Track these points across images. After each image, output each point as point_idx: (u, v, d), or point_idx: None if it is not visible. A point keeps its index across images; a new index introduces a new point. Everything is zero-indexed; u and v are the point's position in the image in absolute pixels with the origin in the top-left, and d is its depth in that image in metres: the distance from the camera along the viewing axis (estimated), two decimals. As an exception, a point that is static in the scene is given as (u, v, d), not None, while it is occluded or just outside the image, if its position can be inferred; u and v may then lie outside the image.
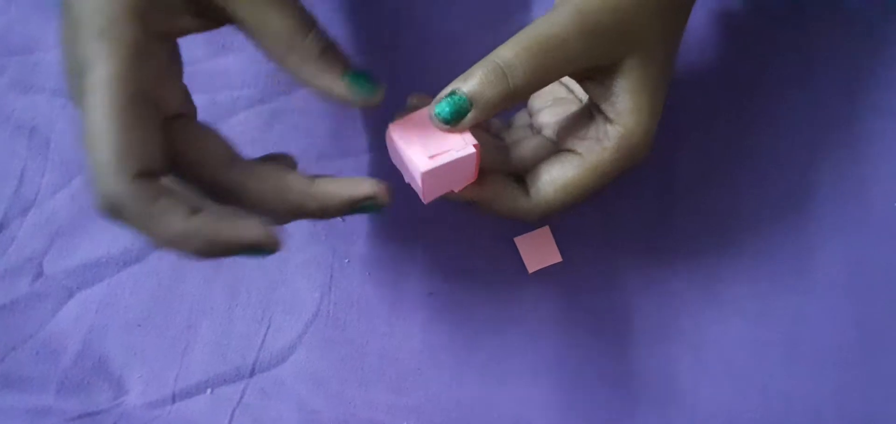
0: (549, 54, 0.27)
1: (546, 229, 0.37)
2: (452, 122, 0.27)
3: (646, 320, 0.36)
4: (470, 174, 0.30)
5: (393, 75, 0.40)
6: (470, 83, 0.27)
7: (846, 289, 0.36)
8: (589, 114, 0.31)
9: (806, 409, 0.34)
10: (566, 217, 0.37)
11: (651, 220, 0.37)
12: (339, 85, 0.27)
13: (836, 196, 0.37)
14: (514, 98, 0.27)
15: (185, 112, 0.27)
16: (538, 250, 0.37)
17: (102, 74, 0.23)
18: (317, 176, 0.27)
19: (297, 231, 0.38)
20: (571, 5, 0.28)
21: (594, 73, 0.29)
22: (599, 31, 0.28)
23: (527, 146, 0.32)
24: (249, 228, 0.24)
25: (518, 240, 0.37)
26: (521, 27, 0.40)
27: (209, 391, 0.36)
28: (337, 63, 0.27)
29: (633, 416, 0.35)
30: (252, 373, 0.36)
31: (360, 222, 0.37)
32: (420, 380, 0.35)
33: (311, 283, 0.37)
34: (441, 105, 0.27)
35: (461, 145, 0.28)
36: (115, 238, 0.38)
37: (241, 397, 0.36)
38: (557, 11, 0.28)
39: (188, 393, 0.36)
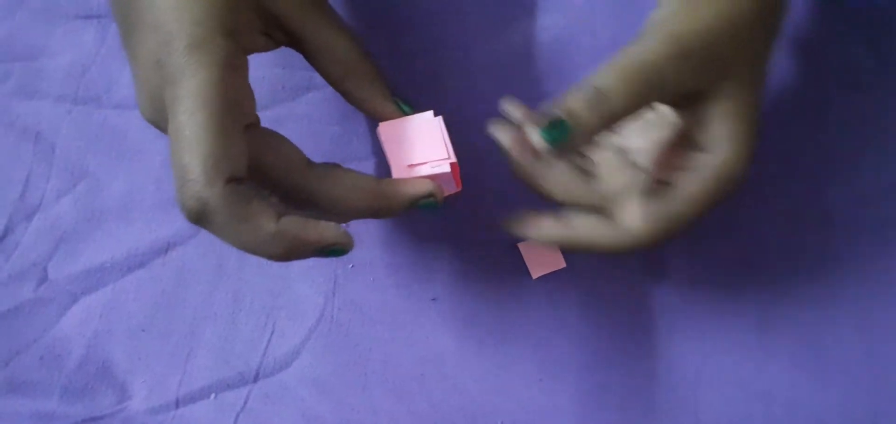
0: (645, 79, 0.27)
1: None
2: (555, 145, 0.27)
3: (650, 327, 0.36)
4: (451, 185, 0.30)
5: (400, 81, 0.40)
6: (569, 107, 0.27)
7: (850, 296, 0.36)
8: (683, 142, 0.30)
9: (810, 417, 0.34)
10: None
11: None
12: (389, 107, 0.31)
13: (841, 201, 0.37)
14: (613, 123, 0.27)
15: (255, 121, 0.28)
16: (542, 256, 0.37)
17: (198, 83, 0.24)
18: (380, 178, 0.29)
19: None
20: (665, 30, 0.27)
21: (688, 99, 0.28)
22: (694, 55, 0.27)
23: (618, 180, 0.31)
24: (330, 230, 0.26)
25: (522, 246, 0.37)
26: (526, 33, 0.41)
27: (213, 396, 0.36)
28: (386, 89, 0.31)
29: (637, 423, 0.35)
30: (256, 378, 0.36)
31: (363, 228, 0.37)
32: (423, 387, 0.35)
33: (314, 288, 0.37)
34: (545, 130, 0.27)
35: (439, 158, 0.29)
36: (118, 244, 0.38)
37: (245, 402, 0.36)
38: (651, 35, 0.28)
39: (192, 399, 0.36)
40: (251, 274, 0.37)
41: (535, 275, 0.37)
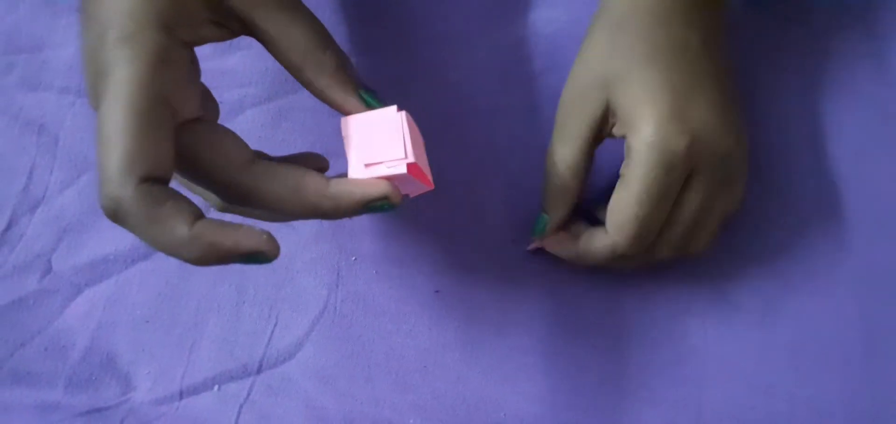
0: (561, 152, 0.34)
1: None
2: (541, 233, 0.35)
3: (652, 320, 0.36)
4: (418, 185, 0.29)
5: (393, 76, 0.40)
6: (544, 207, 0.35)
7: (852, 289, 0.36)
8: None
9: (812, 410, 0.34)
10: (574, 218, 0.37)
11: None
12: (352, 100, 0.29)
13: (841, 196, 0.37)
14: (569, 198, 0.34)
15: (203, 115, 0.27)
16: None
17: (124, 77, 0.23)
18: (332, 177, 0.28)
19: (304, 229, 0.38)
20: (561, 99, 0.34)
21: (606, 122, 0.33)
22: (582, 96, 0.33)
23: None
24: (249, 235, 0.24)
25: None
26: (528, 26, 0.41)
27: (216, 387, 0.36)
28: (351, 79, 0.29)
29: (640, 416, 0.35)
30: (259, 370, 0.36)
31: (367, 220, 0.38)
32: (426, 378, 0.36)
33: (318, 280, 0.37)
34: (534, 230, 0.35)
35: (397, 158, 0.27)
36: (123, 235, 0.38)
37: (249, 394, 0.36)
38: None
39: (195, 390, 0.36)
40: (255, 266, 0.37)
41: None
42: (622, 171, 0.32)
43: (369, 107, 0.29)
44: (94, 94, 0.25)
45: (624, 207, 0.31)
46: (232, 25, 0.28)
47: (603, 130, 0.33)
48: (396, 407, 0.35)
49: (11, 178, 0.40)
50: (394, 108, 0.28)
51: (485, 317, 0.36)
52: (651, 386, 0.35)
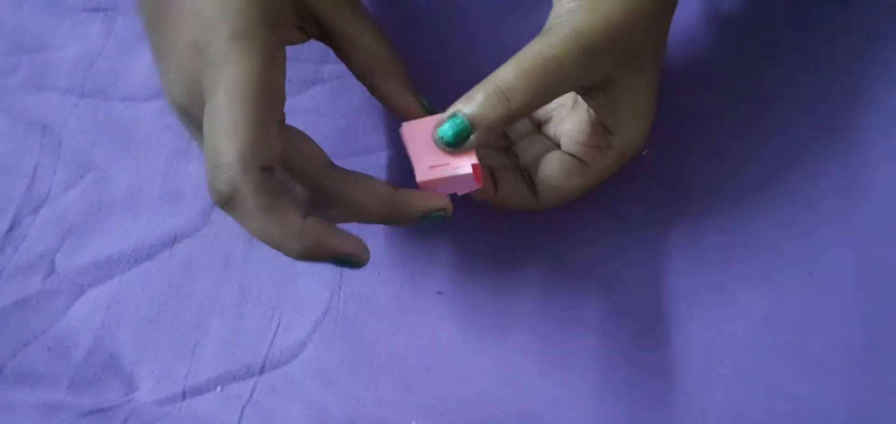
0: (548, 76, 0.28)
1: None
2: (455, 144, 0.29)
3: (654, 321, 0.36)
4: (472, 184, 0.30)
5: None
6: (471, 106, 0.28)
7: (854, 290, 0.36)
8: (591, 122, 0.33)
9: (814, 411, 0.34)
10: (573, 218, 0.37)
11: (659, 221, 0.37)
12: (412, 104, 0.32)
13: (843, 197, 0.37)
14: (514, 119, 0.29)
15: (283, 117, 0.28)
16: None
17: (243, 71, 0.24)
18: (397, 187, 0.29)
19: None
20: (569, 27, 0.28)
21: (593, 88, 0.30)
22: (597, 50, 0.28)
23: (532, 152, 0.35)
24: (350, 240, 0.26)
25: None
26: (532, 25, 0.41)
27: (219, 388, 0.36)
28: (411, 86, 0.32)
29: (641, 417, 0.35)
30: (262, 371, 0.36)
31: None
32: (428, 379, 0.36)
33: (320, 281, 0.37)
34: (444, 128, 0.29)
35: (462, 162, 0.29)
36: (126, 235, 0.38)
37: (251, 394, 0.36)
38: (554, 33, 0.29)
39: (198, 390, 0.36)
40: (258, 267, 0.38)
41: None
42: (578, 150, 0.32)
43: (427, 112, 0.31)
44: (192, 85, 0.25)
45: (575, 189, 0.32)
46: (311, 30, 0.30)
47: (577, 91, 0.31)
48: (399, 408, 0.35)
49: (15, 178, 0.40)
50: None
51: (487, 318, 0.36)
52: (653, 388, 0.35)
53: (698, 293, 0.36)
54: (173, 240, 0.38)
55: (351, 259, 0.26)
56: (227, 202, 0.24)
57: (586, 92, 0.31)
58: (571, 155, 0.33)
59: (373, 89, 0.31)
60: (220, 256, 0.38)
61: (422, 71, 0.40)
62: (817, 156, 0.38)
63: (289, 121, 0.39)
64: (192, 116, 0.26)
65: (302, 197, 0.29)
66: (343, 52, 0.31)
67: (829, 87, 0.39)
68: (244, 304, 0.37)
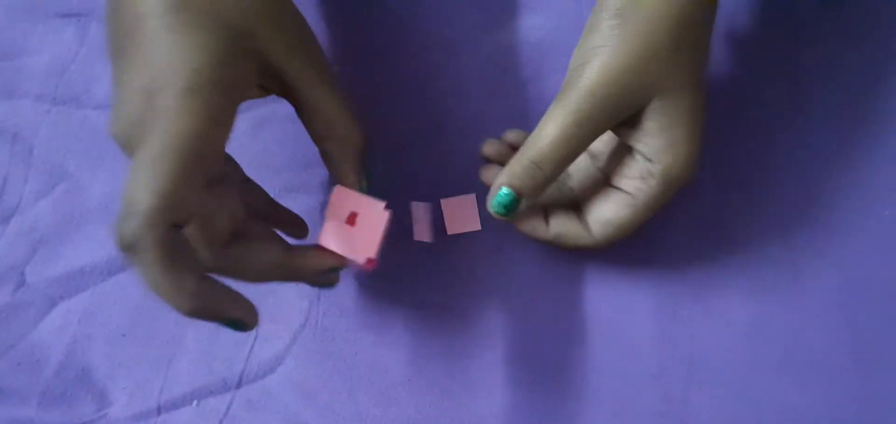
0: (570, 141, 0.30)
1: (472, 197, 0.37)
2: (510, 213, 0.32)
3: (639, 331, 0.36)
4: (364, 267, 0.32)
5: (381, 83, 0.40)
6: (512, 179, 0.31)
7: (839, 300, 0.36)
8: (629, 154, 0.32)
9: (799, 420, 0.34)
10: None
11: (644, 232, 0.37)
12: (353, 183, 0.32)
13: (828, 207, 0.37)
14: (550, 182, 0.31)
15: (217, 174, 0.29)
16: (462, 217, 0.37)
17: (182, 127, 0.24)
18: (294, 249, 0.31)
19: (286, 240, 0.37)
20: (585, 82, 0.29)
21: (622, 125, 0.31)
22: (618, 95, 0.29)
23: (577, 179, 0.36)
24: (238, 305, 0.26)
25: (444, 202, 0.37)
26: (513, 33, 0.40)
27: (195, 402, 0.35)
28: (359, 163, 0.32)
29: (626, 427, 0.34)
30: (239, 384, 0.35)
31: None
32: (410, 392, 0.35)
33: (299, 293, 0.37)
34: (495, 203, 0.32)
35: (364, 249, 0.31)
36: (99, 247, 0.37)
37: (228, 408, 0.35)
38: (572, 90, 0.30)
39: (174, 405, 0.35)
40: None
41: (450, 231, 0.37)
42: (623, 183, 0.32)
43: (365, 191, 0.32)
44: (133, 126, 0.25)
45: (623, 222, 0.32)
46: (272, 87, 0.30)
47: (617, 128, 0.31)
48: (379, 422, 0.35)
49: (-16, 188, 0.39)
50: (383, 204, 0.31)
51: (470, 330, 0.36)
52: (638, 397, 0.35)
53: (682, 302, 0.36)
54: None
55: (238, 323, 0.27)
56: (127, 249, 0.24)
57: (617, 130, 0.31)
58: (617, 188, 0.33)
59: (323, 154, 0.32)
60: (196, 267, 0.37)
61: (408, 78, 0.40)
62: (802, 165, 0.38)
63: (265, 129, 0.38)
64: (129, 153, 0.26)
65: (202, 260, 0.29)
66: (302, 113, 0.31)
67: (816, 96, 0.39)
68: (221, 316, 0.36)
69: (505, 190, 0.31)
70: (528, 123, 0.39)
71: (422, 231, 0.37)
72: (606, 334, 0.36)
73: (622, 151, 0.33)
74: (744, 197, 0.37)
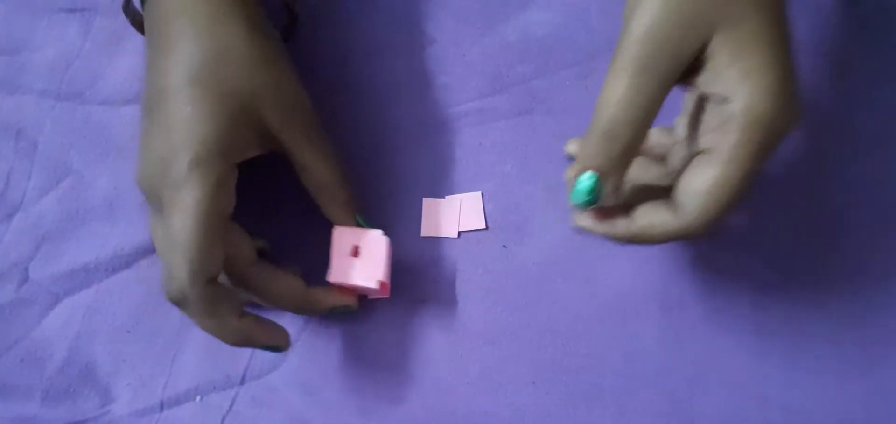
0: (644, 91, 0.26)
1: (477, 195, 0.37)
2: (594, 201, 0.28)
3: (643, 330, 0.35)
4: (379, 294, 0.35)
5: (383, 78, 0.40)
6: (590, 159, 0.27)
7: (847, 299, 0.35)
8: (707, 104, 0.28)
9: (806, 421, 0.34)
10: (558, 227, 0.37)
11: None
12: (349, 223, 0.35)
13: (835, 203, 0.37)
14: (633, 151, 0.27)
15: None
16: (467, 213, 0.37)
17: (196, 197, 0.29)
18: (311, 287, 0.34)
19: (290, 237, 0.37)
20: (637, 27, 0.26)
21: (691, 69, 0.27)
22: (678, 30, 0.26)
23: (677, 157, 0.31)
24: (275, 333, 0.31)
25: (449, 200, 0.37)
26: (519, 29, 0.40)
27: (199, 398, 0.35)
28: (353, 209, 0.35)
29: (631, 426, 0.34)
30: (243, 381, 0.35)
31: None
32: (415, 389, 0.35)
33: (303, 289, 0.36)
34: (578, 195, 0.28)
35: (373, 276, 0.33)
36: (103, 243, 0.37)
37: (232, 405, 0.35)
38: (625, 40, 0.27)
39: (177, 401, 0.35)
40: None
41: (456, 229, 0.37)
42: (705, 142, 0.27)
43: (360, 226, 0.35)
44: (155, 187, 0.30)
45: (717, 189, 0.26)
46: (269, 146, 0.32)
47: (686, 77, 0.27)
48: (383, 419, 0.34)
49: (-12, 184, 0.39)
50: (380, 232, 0.34)
51: (475, 327, 0.36)
52: (643, 396, 0.34)
53: (688, 301, 0.36)
54: (152, 248, 0.37)
55: (273, 347, 0.31)
56: (178, 304, 0.29)
57: (688, 80, 0.27)
58: (702, 152, 0.28)
59: (320, 206, 0.34)
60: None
61: (413, 73, 0.39)
62: (807, 160, 0.37)
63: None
64: (151, 202, 0.31)
65: (242, 297, 0.32)
66: (297, 171, 0.34)
67: (824, 88, 0.38)
68: (225, 313, 0.36)
69: (584, 176, 0.27)
70: (530, 119, 0.39)
71: (429, 227, 0.37)
72: (611, 332, 0.35)
73: (700, 108, 0.28)
74: (749, 196, 0.37)
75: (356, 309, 0.35)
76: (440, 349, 0.35)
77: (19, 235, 0.38)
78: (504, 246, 0.37)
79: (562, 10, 0.41)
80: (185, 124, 0.29)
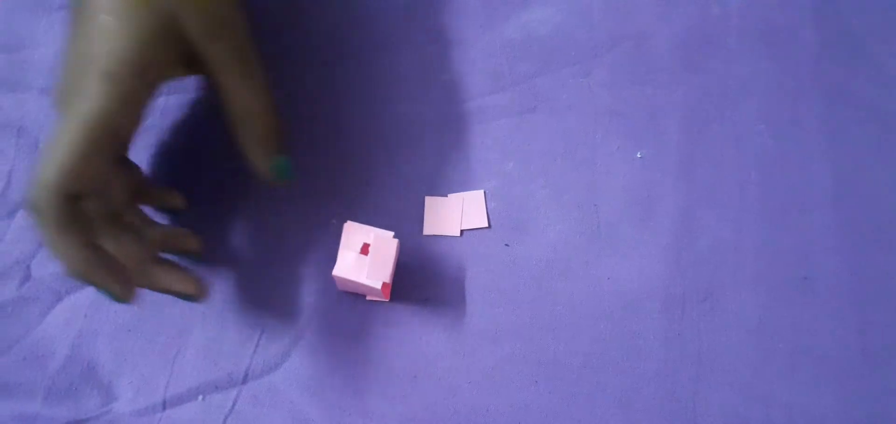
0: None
1: (480, 193, 0.37)
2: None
3: (646, 329, 0.35)
4: (380, 296, 0.35)
5: (386, 76, 0.40)
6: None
7: (849, 297, 0.35)
8: None
9: (809, 419, 0.34)
10: (559, 224, 0.36)
11: (649, 231, 0.37)
12: (264, 167, 0.34)
13: (838, 203, 0.36)
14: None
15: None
16: (469, 211, 0.37)
17: (93, 108, 0.27)
18: (165, 261, 0.33)
19: (292, 236, 0.37)
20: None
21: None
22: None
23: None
24: (111, 278, 0.29)
25: (451, 198, 0.37)
26: (521, 27, 0.40)
27: (201, 398, 0.35)
28: (272, 149, 0.33)
29: (634, 425, 0.34)
30: (244, 380, 0.35)
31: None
32: (416, 388, 0.35)
33: (305, 288, 0.36)
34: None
35: (378, 276, 0.33)
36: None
37: (234, 404, 0.35)
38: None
39: (179, 400, 0.35)
40: (241, 273, 0.37)
41: (458, 227, 0.37)
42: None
43: (277, 174, 0.34)
44: (61, 100, 0.29)
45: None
46: (198, 71, 0.32)
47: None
48: (385, 419, 0.34)
49: (-11, 181, 0.39)
50: (392, 234, 0.33)
51: (477, 325, 0.36)
52: (646, 395, 0.34)
53: (691, 299, 0.36)
54: (153, 245, 0.37)
55: (111, 293, 0.30)
56: (31, 211, 0.28)
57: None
58: None
59: (238, 141, 0.33)
60: (203, 262, 0.37)
61: (415, 71, 0.39)
62: (813, 162, 0.37)
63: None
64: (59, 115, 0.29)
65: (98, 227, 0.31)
66: (220, 98, 0.32)
67: (824, 91, 0.38)
68: (227, 311, 0.36)
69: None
70: (533, 118, 0.39)
71: (431, 226, 0.37)
72: (613, 331, 0.35)
73: None
74: (753, 195, 0.37)
75: (200, 299, 0.34)
76: (442, 348, 0.35)
77: (21, 232, 0.38)
78: (506, 244, 0.37)
79: (563, 8, 0.41)
80: (103, 37, 0.28)
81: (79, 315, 0.36)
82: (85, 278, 0.29)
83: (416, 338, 0.35)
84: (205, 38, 0.30)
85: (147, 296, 0.36)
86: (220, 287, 0.37)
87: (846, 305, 0.35)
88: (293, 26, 0.41)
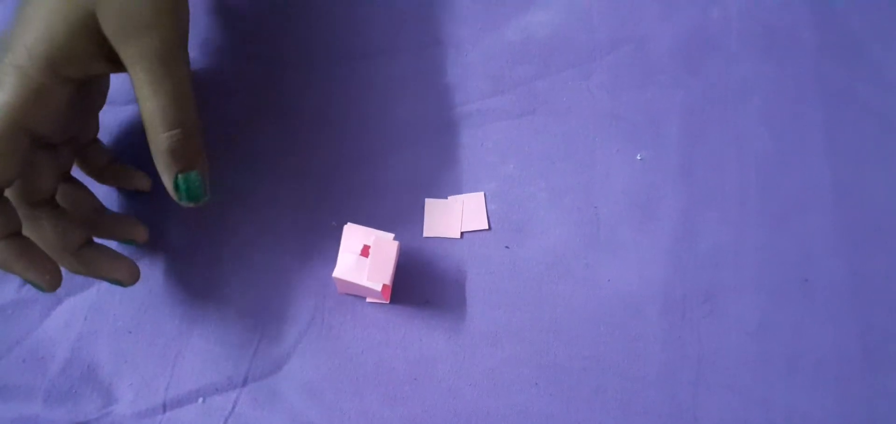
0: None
1: (480, 195, 0.37)
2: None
3: (647, 331, 0.35)
4: (380, 298, 0.35)
5: (386, 78, 0.40)
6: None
7: (848, 299, 0.35)
8: None
9: (808, 422, 0.34)
10: (558, 226, 0.36)
11: (650, 230, 0.37)
12: (166, 182, 0.32)
13: (838, 205, 0.36)
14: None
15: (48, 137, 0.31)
16: (469, 213, 0.37)
17: (3, 101, 0.28)
18: (98, 245, 0.33)
19: (292, 238, 0.37)
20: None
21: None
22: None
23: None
24: (33, 268, 0.30)
25: (451, 200, 0.37)
26: (521, 29, 0.40)
27: (201, 400, 0.35)
28: (177, 164, 0.31)
29: (634, 428, 0.34)
30: (245, 382, 0.35)
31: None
32: (416, 390, 0.35)
33: (305, 290, 0.36)
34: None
35: (379, 278, 0.33)
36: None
37: (234, 406, 0.35)
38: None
39: (179, 402, 0.35)
40: (241, 275, 0.37)
41: (458, 229, 0.37)
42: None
43: (180, 188, 0.31)
44: None
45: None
46: (118, 69, 0.31)
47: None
48: (385, 421, 0.34)
49: (-10, 184, 0.39)
50: (392, 236, 0.33)
51: (477, 328, 0.36)
52: (646, 398, 0.34)
53: (691, 302, 0.36)
54: (154, 248, 0.37)
55: (33, 283, 0.30)
56: None
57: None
58: None
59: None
60: (203, 264, 0.37)
61: (414, 74, 0.39)
62: (812, 165, 0.37)
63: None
64: None
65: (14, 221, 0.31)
66: (137, 97, 0.31)
67: (823, 93, 0.38)
68: (227, 314, 0.36)
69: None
70: (533, 121, 0.39)
71: (432, 228, 0.37)
72: (613, 334, 0.35)
73: None
74: (752, 197, 0.37)
75: (129, 285, 0.34)
76: (442, 350, 0.35)
77: (21, 235, 0.38)
78: (506, 247, 0.37)
79: (563, 11, 0.41)
80: (22, 27, 0.28)
81: (79, 317, 0.36)
82: (4, 268, 0.29)
83: (416, 340, 0.35)
84: (118, 37, 0.29)
85: (148, 299, 0.36)
86: (221, 289, 0.37)
87: (846, 307, 0.35)
88: (294, 30, 0.41)
